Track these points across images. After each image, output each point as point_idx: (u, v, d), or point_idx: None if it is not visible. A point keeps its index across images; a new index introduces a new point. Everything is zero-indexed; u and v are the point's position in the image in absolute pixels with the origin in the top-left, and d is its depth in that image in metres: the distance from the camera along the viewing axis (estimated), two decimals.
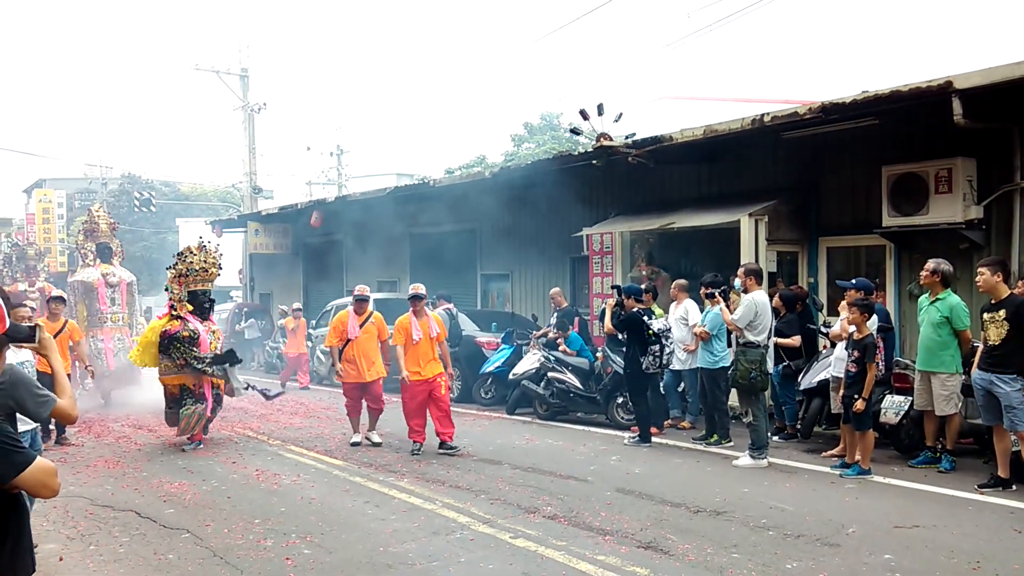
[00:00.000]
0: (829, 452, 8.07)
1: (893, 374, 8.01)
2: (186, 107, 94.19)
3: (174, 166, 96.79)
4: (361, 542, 5.57)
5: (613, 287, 9.81)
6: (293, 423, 10.96)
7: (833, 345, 8.19)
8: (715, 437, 8.76)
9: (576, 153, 12.46)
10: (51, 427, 9.35)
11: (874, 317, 7.50)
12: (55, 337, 8.86)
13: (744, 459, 7.76)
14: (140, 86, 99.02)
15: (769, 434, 8.32)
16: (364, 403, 9.27)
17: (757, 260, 9.70)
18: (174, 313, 9.48)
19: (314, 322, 16.51)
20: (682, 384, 10.05)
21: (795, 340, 8.83)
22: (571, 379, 10.45)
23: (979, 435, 7.66)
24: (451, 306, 13.04)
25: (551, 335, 11.40)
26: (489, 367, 12.08)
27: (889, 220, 9.25)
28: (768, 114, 9.41)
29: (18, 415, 3.25)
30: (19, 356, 4.98)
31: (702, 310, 9.17)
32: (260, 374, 18.15)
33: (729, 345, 8.51)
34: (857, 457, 7.21)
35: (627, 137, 11.55)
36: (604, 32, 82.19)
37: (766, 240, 10.15)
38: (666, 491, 6.76)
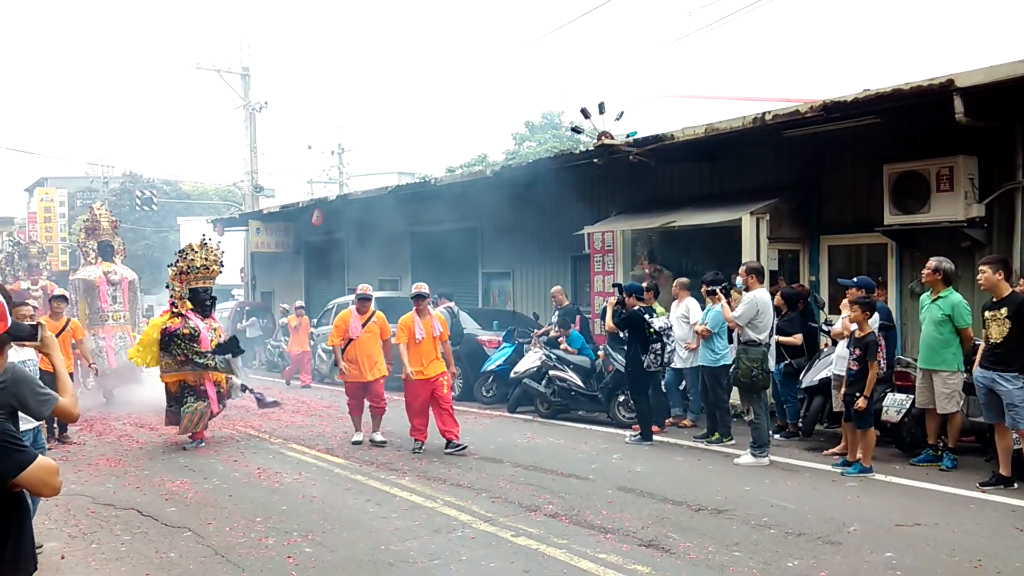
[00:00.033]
0: (830, 450, 8.07)
1: (895, 372, 8.01)
2: (187, 106, 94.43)
3: (176, 165, 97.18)
4: (362, 540, 5.57)
5: (614, 285, 9.80)
6: (295, 421, 10.97)
7: (835, 343, 8.18)
8: (716, 435, 8.76)
9: (577, 151, 12.47)
10: (54, 425, 9.35)
11: (876, 315, 7.50)
12: (57, 336, 8.89)
13: (745, 457, 7.76)
14: (142, 85, 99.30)
15: (770, 432, 8.31)
16: (367, 403, 9.28)
17: (758, 258, 9.70)
18: (175, 310, 9.48)
19: (315, 321, 16.51)
20: (683, 382, 10.05)
21: (797, 338, 8.83)
22: (572, 377, 10.45)
23: (981, 433, 7.65)
24: (452, 304, 13.03)
25: (552, 333, 11.39)
26: (490, 365, 12.09)
27: (890, 218, 9.24)
28: (769, 112, 9.41)
29: (20, 413, 3.26)
30: (21, 355, 4.99)
31: (703, 308, 9.17)
32: (262, 372, 18.18)
33: (730, 343, 8.52)
34: (858, 455, 7.20)
35: (628, 135, 11.54)
36: (606, 30, 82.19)
37: (767, 238, 10.16)
38: (667, 489, 6.76)
